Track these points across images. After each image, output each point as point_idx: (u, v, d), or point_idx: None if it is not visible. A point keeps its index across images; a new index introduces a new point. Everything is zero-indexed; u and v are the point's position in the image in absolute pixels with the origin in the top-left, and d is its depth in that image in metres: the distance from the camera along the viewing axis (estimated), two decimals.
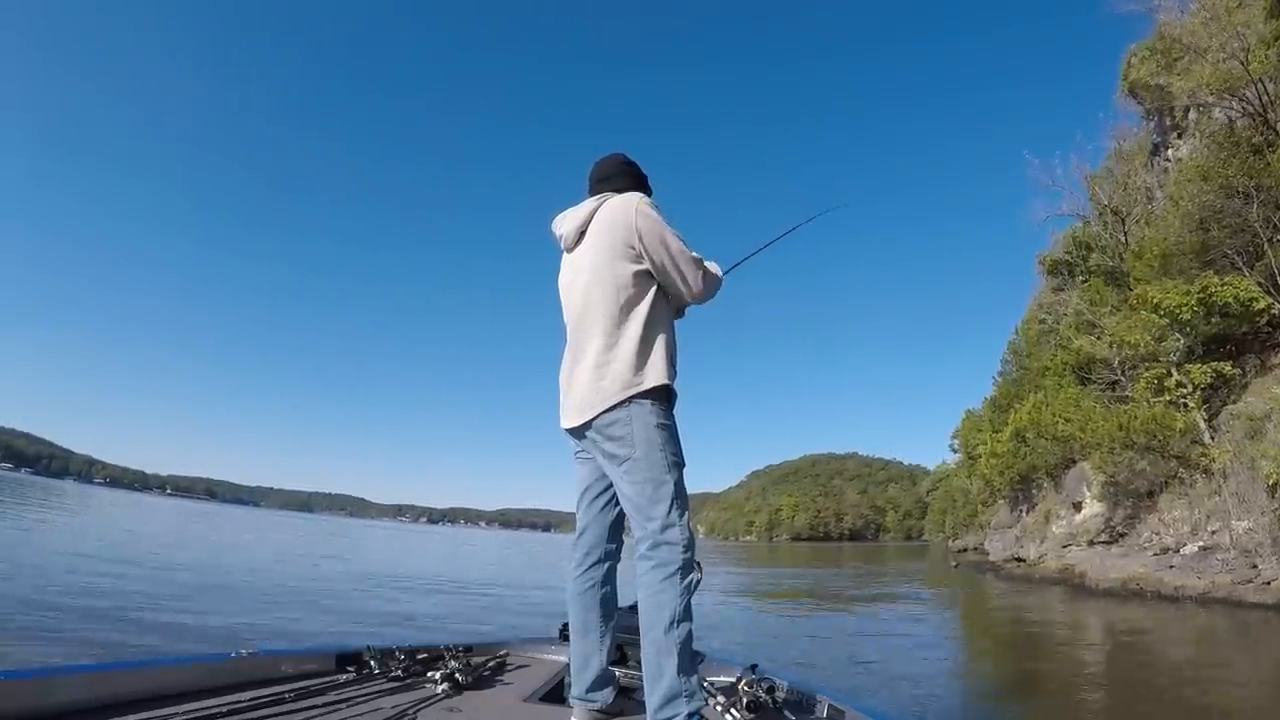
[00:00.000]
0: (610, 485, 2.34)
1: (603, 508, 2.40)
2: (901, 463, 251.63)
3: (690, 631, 2.09)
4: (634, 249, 2.27)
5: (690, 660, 2.06)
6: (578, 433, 2.32)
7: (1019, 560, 29.12)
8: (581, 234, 2.41)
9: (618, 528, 2.42)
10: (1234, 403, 20.38)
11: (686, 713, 2.00)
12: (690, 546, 2.14)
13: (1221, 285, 20.04)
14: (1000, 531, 36.44)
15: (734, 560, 42.91)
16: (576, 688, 2.32)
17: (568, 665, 2.40)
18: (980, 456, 38.96)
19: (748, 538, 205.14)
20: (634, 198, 2.35)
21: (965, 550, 54.18)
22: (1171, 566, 16.09)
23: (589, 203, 2.43)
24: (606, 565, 2.39)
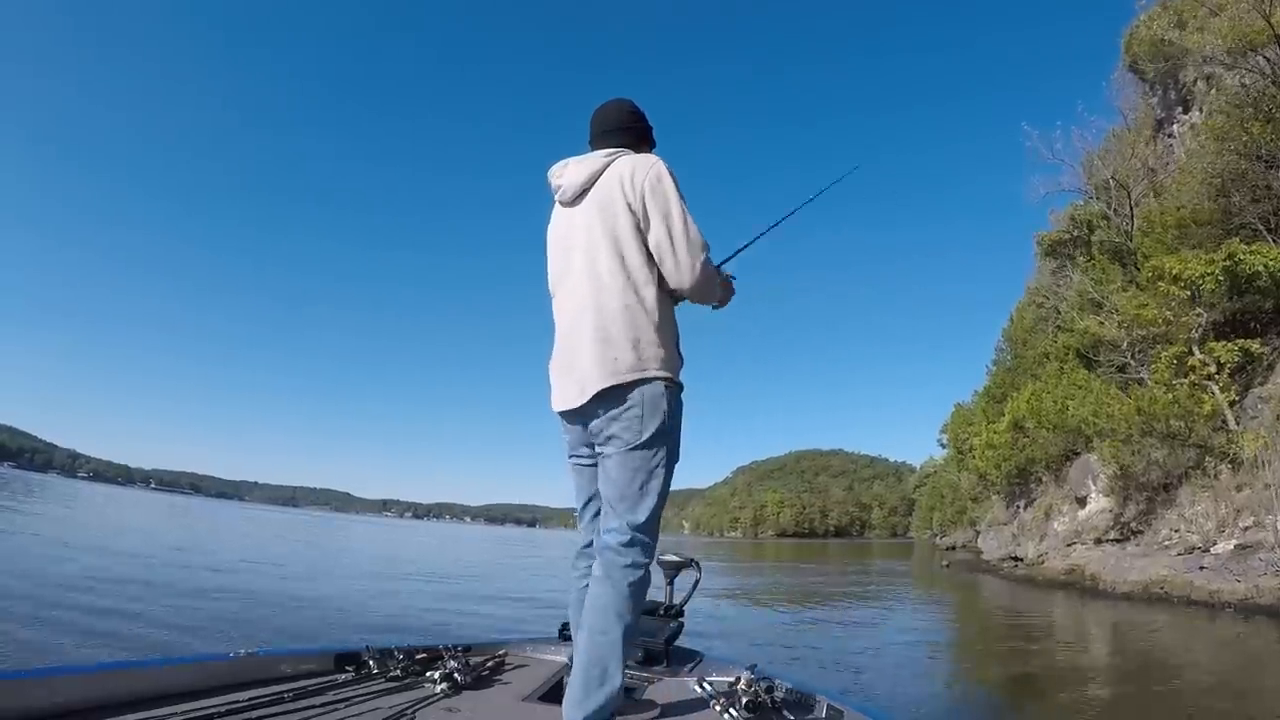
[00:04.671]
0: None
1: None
2: (887, 459, 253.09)
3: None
4: (638, 215, 2.13)
5: (622, 673, 1.99)
6: (579, 414, 2.15)
7: (1016, 560, 27.12)
8: (585, 190, 2.22)
9: None
10: (1260, 385, 18.40)
11: None
12: (655, 546, 2.11)
13: (1250, 253, 17.93)
14: (995, 529, 34.38)
15: (709, 557, 41.05)
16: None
17: (567, 665, 2.31)
18: (974, 449, 37.01)
19: (733, 534, 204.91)
20: (652, 159, 2.19)
21: (954, 548, 52.58)
22: (1202, 568, 13.97)
23: (598, 156, 2.24)
24: None
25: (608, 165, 2.21)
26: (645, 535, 2.06)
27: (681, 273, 2.11)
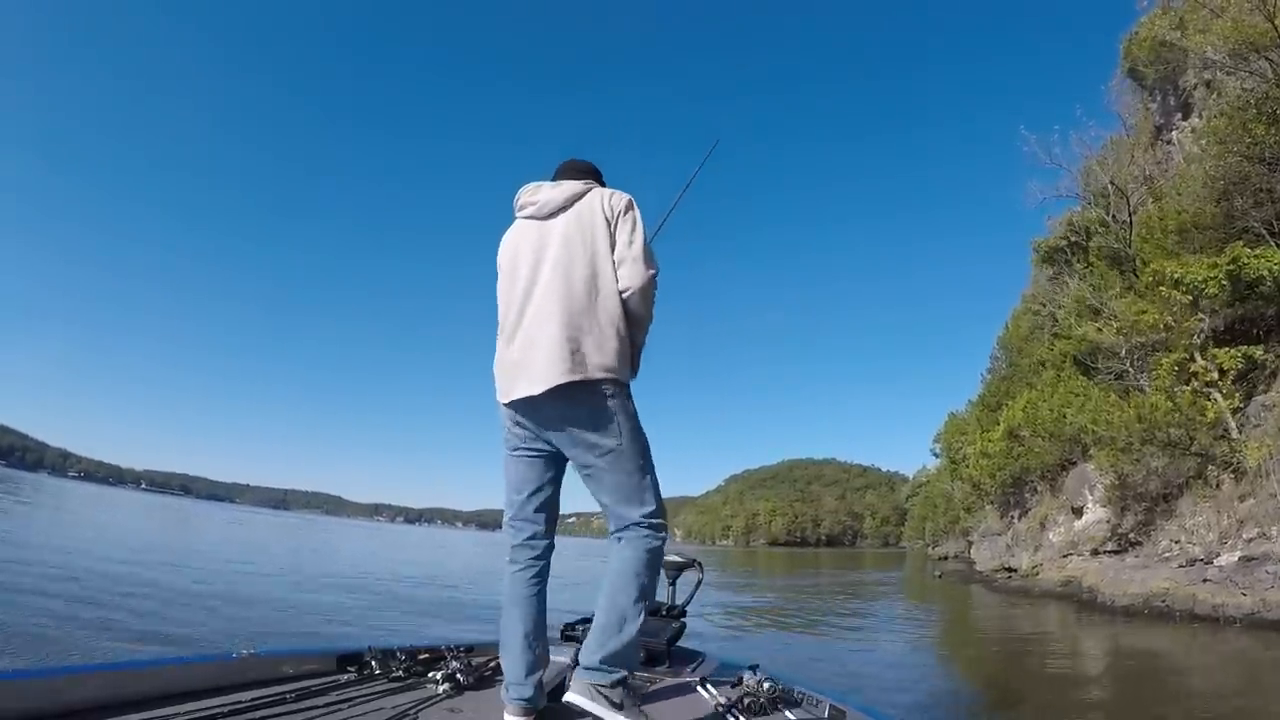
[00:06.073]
0: (552, 481, 2.37)
1: (547, 506, 2.38)
2: (880, 469, 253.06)
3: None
4: (612, 230, 2.34)
5: (639, 627, 2.15)
6: (539, 404, 2.22)
7: (1010, 570, 26.57)
8: (564, 208, 2.41)
9: (554, 525, 2.42)
10: (1263, 392, 17.89)
11: (621, 676, 2.11)
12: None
13: (1254, 256, 17.42)
14: (989, 539, 33.83)
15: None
16: (525, 689, 2.18)
17: (569, 665, 2.44)
18: (967, 459, 36.56)
19: (724, 542, 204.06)
20: (626, 195, 2.42)
21: (946, 558, 52.39)
22: (1206, 580, 13.41)
23: (576, 183, 2.45)
24: (545, 563, 2.36)
25: (588, 190, 2.41)
26: (657, 519, 2.22)
27: (634, 276, 2.28)
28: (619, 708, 2.09)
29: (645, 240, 2.34)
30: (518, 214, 2.49)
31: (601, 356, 2.19)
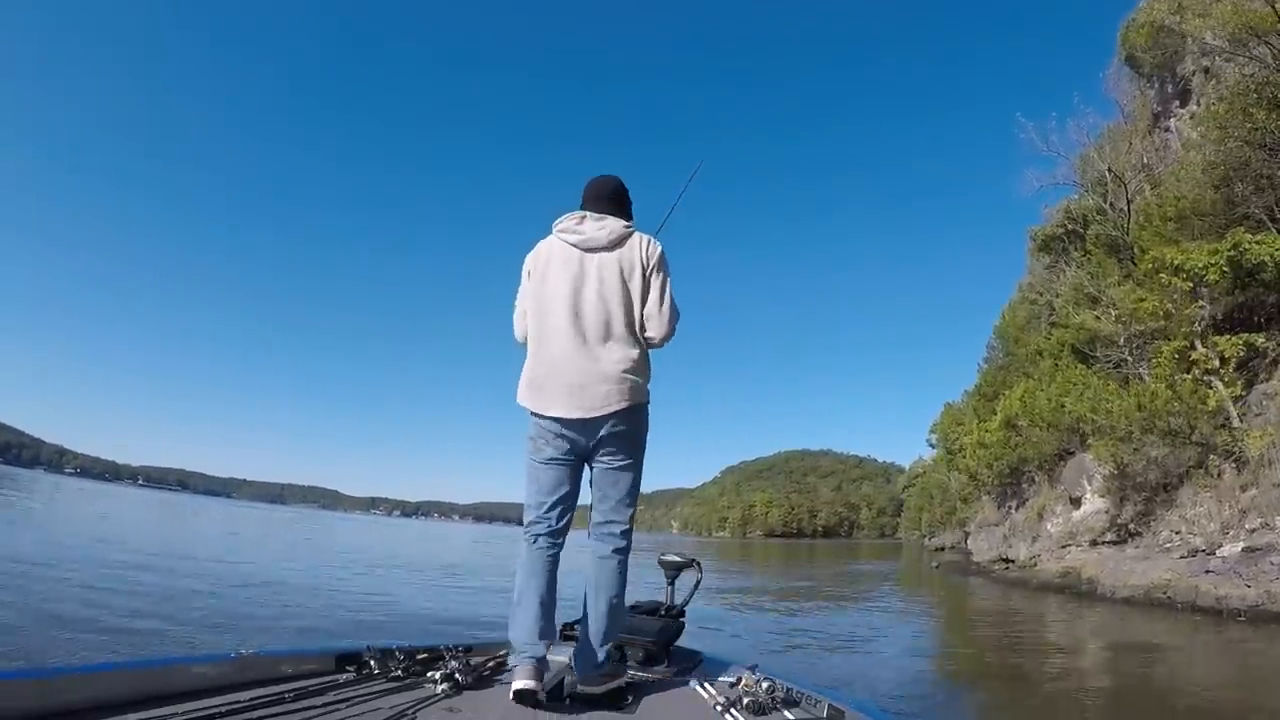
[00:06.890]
0: (577, 487, 2.66)
1: (571, 509, 2.66)
2: (876, 460, 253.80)
3: None
4: (648, 278, 2.64)
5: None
6: (589, 424, 2.52)
7: (1007, 561, 26.36)
8: (608, 246, 2.63)
9: (570, 522, 2.68)
10: (1264, 381, 17.68)
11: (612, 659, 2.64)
12: None
13: (1255, 242, 17.16)
14: (986, 530, 33.62)
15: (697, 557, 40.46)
16: (538, 649, 2.42)
17: (567, 665, 2.57)
18: (964, 449, 36.33)
19: (721, 534, 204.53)
20: (660, 246, 2.71)
21: (942, 549, 52.23)
22: (1208, 571, 13.19)
23: (619, 223, 2.67)
24: (559, 551, 2.65)
25: (630, 234, 2.66)
26: (631, 525, 2.66)
27: (660, 329, 2.62)
28: (622, 671, 2.66)
29: (671, 290, 2.67)
30: (557, 234, 2.70)
31: (644, 385, 2.59)
